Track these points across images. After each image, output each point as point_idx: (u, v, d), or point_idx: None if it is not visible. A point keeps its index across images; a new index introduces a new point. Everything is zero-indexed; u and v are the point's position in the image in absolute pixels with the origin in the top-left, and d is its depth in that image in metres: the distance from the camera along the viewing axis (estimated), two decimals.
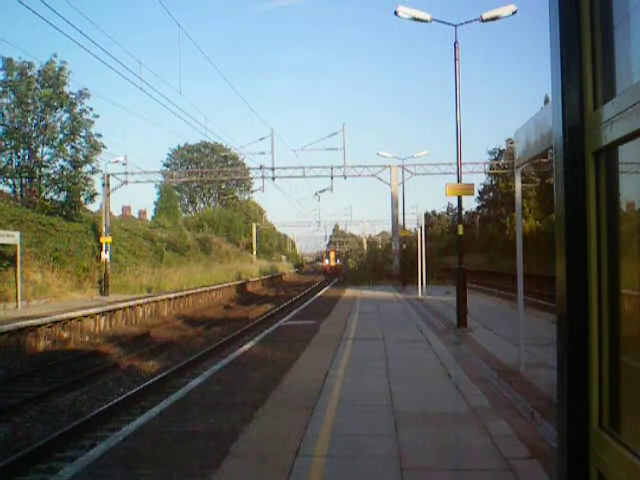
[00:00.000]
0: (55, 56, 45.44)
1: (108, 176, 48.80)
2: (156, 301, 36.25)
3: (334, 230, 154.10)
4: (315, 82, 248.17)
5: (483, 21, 23.30)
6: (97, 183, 47.72)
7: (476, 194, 73.67)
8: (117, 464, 7.70)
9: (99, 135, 46.62)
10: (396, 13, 23.46)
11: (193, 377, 15.38)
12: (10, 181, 45.13)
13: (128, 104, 64.84)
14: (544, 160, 39.86)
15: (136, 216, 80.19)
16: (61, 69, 44.32)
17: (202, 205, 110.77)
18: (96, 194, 47.33)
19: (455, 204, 70.09)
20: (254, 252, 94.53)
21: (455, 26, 22.86)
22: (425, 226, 40.52)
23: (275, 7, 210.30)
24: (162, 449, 8.21)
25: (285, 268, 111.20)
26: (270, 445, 8.32)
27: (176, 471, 7.33)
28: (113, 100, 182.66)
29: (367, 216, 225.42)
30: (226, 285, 54.97)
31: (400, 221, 56.02)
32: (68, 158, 45.23)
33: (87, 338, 26.51)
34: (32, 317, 24.14)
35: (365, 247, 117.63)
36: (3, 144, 43.67)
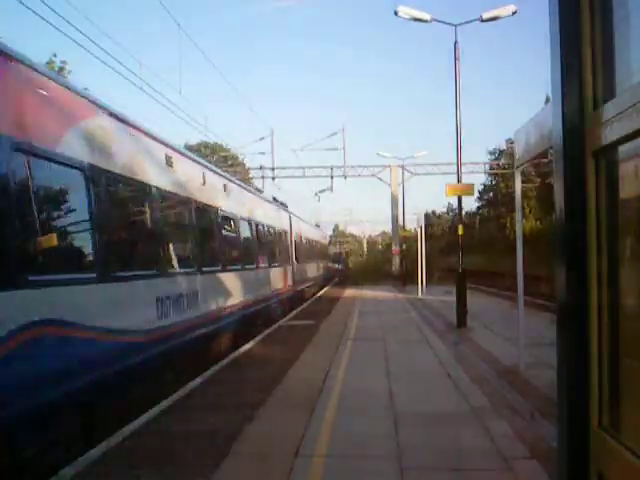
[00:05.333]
0: (55, 56, 45.33)
1: None
2: None
3: (334, 230, 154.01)
4: (316, 81, 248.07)
5: (483, 21, 23.35)
6: None
7: (476, 194, 73.64)
8: (117, 464, 7.69)
9: None
10: (396, 13, 23.49)
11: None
12: None
13: (128, 104, 63.58)
14: (544, 160, 39.82)
15: None
16: (61, 69, 44.24)
17: None
18: None
19: (455, 204, 70.01)
20: None
21: (455, 26, 22.90)
22: (425, 226, 40.52)
23: (274, 8, 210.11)
24: (163, 449, 8.20)
25: None
26: (270, 445, 8.33)
27: (176, 471, 7.33)
28: (113, 100, 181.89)
29: (367, 216, 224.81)
30: None
31: (400, 221, 56.05)
32: None
33: None
34: None
35: (365, 247, 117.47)
36: None
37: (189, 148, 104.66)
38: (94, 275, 9.23)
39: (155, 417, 9.83)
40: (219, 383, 12.44)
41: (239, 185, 22.37)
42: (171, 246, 13.28)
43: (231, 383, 12.38)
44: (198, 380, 12.73)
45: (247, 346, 17.37)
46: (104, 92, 21.34)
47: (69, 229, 9.18)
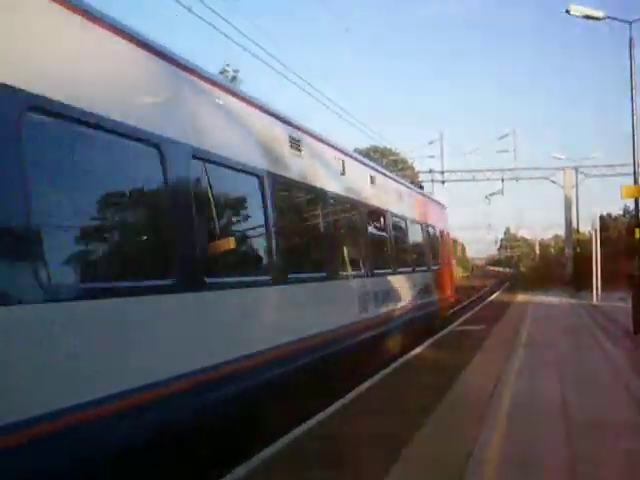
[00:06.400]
0: None
1: None
2: None
3: (505, 233, 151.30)
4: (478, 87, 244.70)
5: None
6: None
7: None
8: (287, 465, 7.93)
9: None
10: (568, 12, 23.03)
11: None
12: None
13: None
14: None
15: None
16: None
17: None
18: None
19: (632, 206, 66.94)
20: None
21: (630, 23, 22.12)
22: (600, 229, 39.15)
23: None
24: (330, 453, 8.38)
25: None
26: (440, 450, 8.33)
27: (344, 476, 7.42)
28: None
29: (538, 219, 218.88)
30: None
31: (574, 224, 54.43)
32: None
33: None
34: None
35: (537, 251, 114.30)
36: None
37: (359, 152, 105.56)
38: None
39: (321, 421, 9.93)
40: (383, 387, 12.58)
41: None
42: None
43: (400, 387, 12.49)
44: (366, 384, 12.86)
45: (417, 350, 17.47)
46: None
47: None
